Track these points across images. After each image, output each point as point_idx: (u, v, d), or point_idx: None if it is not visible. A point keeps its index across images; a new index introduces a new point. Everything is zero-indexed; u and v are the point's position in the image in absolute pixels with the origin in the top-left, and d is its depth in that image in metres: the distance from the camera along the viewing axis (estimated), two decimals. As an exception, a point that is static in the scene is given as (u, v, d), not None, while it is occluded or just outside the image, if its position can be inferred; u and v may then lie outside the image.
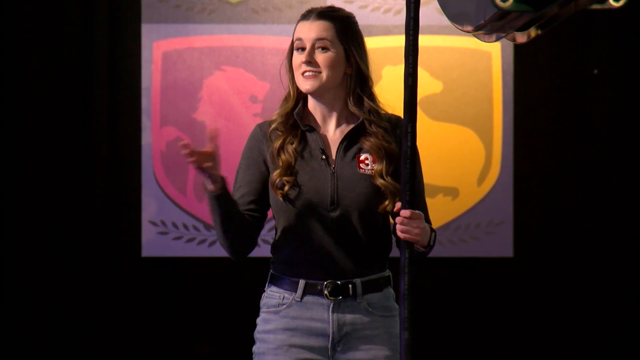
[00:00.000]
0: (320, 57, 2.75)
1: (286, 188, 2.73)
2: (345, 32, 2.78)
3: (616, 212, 5.13)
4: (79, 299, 5.05)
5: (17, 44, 5.01)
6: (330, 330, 2.73)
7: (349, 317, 2.74)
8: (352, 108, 2.78)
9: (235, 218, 2.73)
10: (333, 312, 2.73)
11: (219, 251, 5.13)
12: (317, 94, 2.78)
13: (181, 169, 5.06)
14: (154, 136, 5.07)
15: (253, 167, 2.81)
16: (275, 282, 2.80)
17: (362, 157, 2.77)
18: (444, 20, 4.79)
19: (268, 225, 3.12)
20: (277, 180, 2.74)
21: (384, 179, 2.73)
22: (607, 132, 5.13)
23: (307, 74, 2.75)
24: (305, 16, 2.80)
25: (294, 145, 2.77)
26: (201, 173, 2.63)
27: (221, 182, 2.66)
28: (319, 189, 2.73)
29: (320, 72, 2.74)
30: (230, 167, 5.13)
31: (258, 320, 2.82)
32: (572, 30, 5.06)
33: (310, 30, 2.76)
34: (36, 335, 5.04)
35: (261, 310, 2.81)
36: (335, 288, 2.73)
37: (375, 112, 2.79)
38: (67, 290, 5.04)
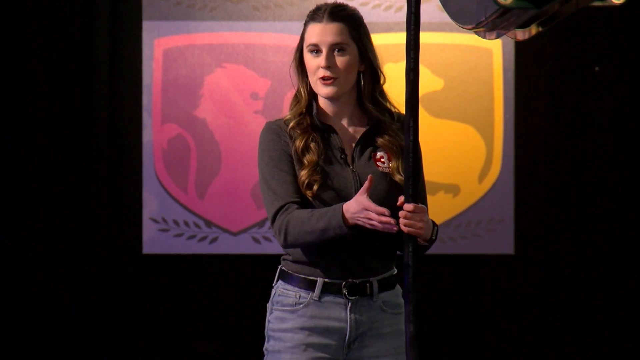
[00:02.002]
0: (339, 61, 2.74)
1: (315, 187, 2.72)
2: (357, 30, 2.77)
3: (617, 209, 5.13)
4: (80, 296, 5.05)
5: (18, 43, 5.01)
6: (348, 329, 2.74)
7: (365, 315, 2.75)
8: (365, 106, 2.79)
9: None
10: (350, 311, 2.74)
11: (220, 248, 5.13)
12: (334, 97, 2.78)
13: (182, 166, 5.06)
14: (155, 133, 5.07)
15: (286, 156, 2.76)
16: (287, 279, 2.78)
17: (378, 155, 2.78)
18: (445, 17, 4.78)
19: (269, 223, 3.11)
20: (307, 180, 2.72)
21: (401, 175, 2.73)
22: (608, 129, 5.13)
23: (326, 79, 2.73)
24: (315, 17, 2.77)
25: (315, 144, 2.75)
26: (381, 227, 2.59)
27: None
28: (343, 187, 2.74)
29: (338, 77, 2.73)
30: (231, 164, 5.14)
31: (271, 318, 2.80)
32: (573, 27, 5.06)
33: (325, 34, 2.74)
34: (37, 334, 5.04)
35: (273, 307, 2.79)
36: (353, 287, 2.74)
37: (387, 109, 2.80)
38: (68, 287, 5.04)
